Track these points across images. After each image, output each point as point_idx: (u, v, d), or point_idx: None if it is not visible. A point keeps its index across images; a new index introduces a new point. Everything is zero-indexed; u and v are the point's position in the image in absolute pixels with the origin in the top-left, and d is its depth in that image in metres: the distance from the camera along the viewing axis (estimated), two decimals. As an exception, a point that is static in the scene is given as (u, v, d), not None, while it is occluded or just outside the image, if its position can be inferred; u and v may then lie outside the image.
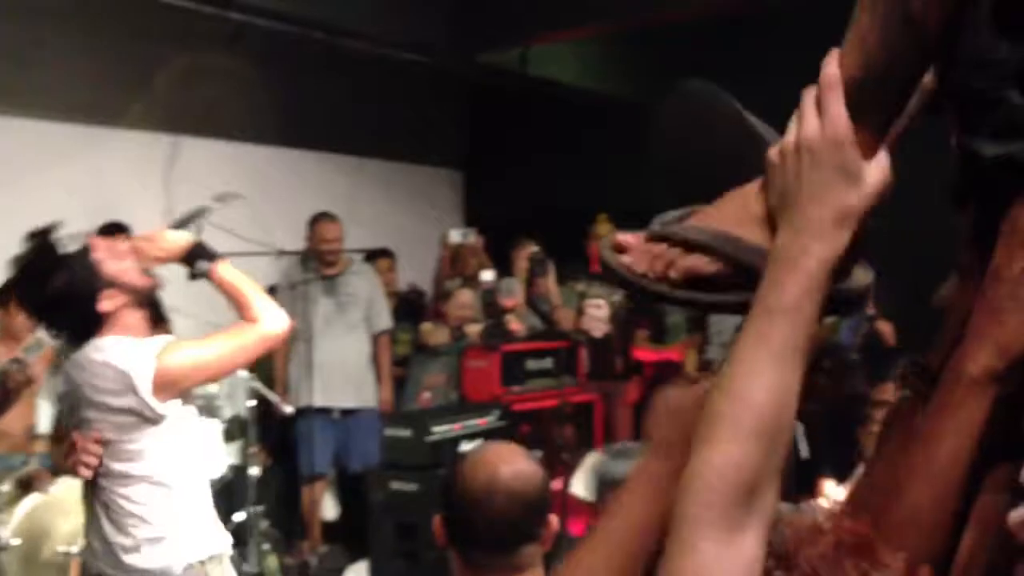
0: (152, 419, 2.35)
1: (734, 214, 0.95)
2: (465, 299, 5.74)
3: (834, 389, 3.54)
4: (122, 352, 2.35)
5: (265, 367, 5.53)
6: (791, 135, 0.87)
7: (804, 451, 3.39)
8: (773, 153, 0.89)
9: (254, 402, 4.81)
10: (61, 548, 3.40)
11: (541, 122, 7.49)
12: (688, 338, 5.61)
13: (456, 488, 1.80)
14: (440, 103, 7.84)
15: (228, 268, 2.55)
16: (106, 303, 2.38)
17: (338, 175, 7.11)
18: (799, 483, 3.71)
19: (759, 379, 0.83)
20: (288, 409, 5.18)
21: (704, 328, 5.46)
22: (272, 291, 5.60)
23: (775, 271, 0.86)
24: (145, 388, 2.31)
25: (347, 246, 5.67)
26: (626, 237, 1.01)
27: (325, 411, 5.27)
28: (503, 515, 1.74)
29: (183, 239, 2.54)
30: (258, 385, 4.93)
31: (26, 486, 3.66)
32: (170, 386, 2.35)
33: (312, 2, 6.35)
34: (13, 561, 3.50)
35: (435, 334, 5.68)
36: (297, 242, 5.74)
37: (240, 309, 2.51)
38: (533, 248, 5.93)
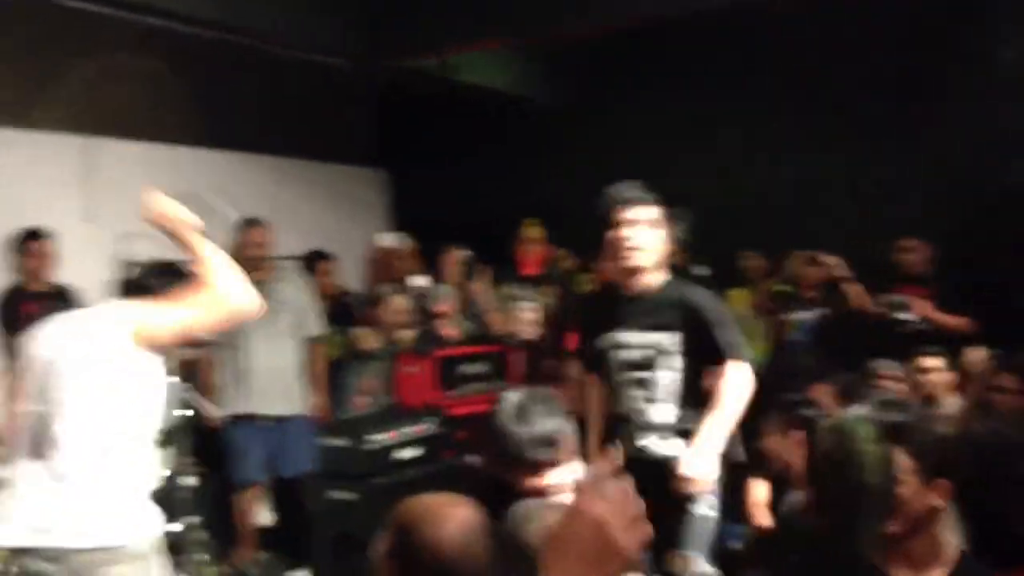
0: None
1: None
2: (399, 304, 5.72)
3: (779, 390, 3.63)
4: None
5: (194, 375, 5.45)
6: None
7: (741, 455, 3.50)
8: None
9: (184, 411, 4.75)
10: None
11: (468, 126, 7.51)
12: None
13: (424, 556, 1.64)
14: (365, 107, 7.80)
15: None
16: None
17: (261, 176, 7.00)
18: (733, 485, 3.80)
19: None
20: (218, 416, 5.12)
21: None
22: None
23: None
24: None
25: (273, 250, 5.58)
26: None
27: (256, 418, 5.19)
28: (488, 554, 1.68)
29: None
30: (188, 394, 4.86)
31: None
32: None
33: (229, 6, 6.25)
34: None
35: (368, 339, 5.65)
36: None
37: None
38: (464, 253, 5.94)
